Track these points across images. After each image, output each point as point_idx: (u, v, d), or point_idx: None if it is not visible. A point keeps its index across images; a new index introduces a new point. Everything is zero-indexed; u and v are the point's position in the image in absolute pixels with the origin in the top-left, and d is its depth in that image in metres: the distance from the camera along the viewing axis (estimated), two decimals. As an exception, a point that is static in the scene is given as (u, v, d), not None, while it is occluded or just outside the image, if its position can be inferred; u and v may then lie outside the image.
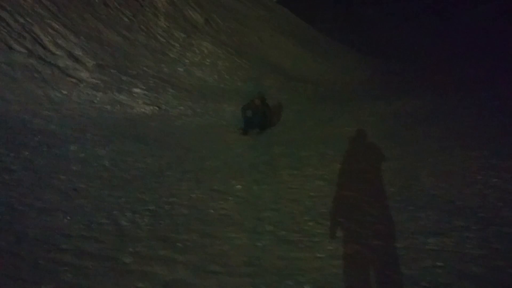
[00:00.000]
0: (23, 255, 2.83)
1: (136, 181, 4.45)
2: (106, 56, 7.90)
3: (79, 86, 6.84)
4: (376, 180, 4.46)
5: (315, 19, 25.16)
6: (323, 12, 33.36)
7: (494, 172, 4.44)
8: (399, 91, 11.08)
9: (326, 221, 3.53)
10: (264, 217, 3.62)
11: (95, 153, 5.10)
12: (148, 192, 4.17)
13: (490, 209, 3.59)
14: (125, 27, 9.13)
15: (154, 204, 3.88)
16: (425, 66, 16.00)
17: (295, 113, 8.36)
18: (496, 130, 6.25)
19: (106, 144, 5.43)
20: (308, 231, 3.37)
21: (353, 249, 3.08)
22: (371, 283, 2.70)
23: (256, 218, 3.61)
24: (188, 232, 3.34)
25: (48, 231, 3.20)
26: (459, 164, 4.80)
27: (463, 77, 13.51)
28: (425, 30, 26.41)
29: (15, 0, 7.49)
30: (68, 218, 3.44)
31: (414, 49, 21.72)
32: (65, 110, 6.16)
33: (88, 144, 5.25)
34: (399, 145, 5.80)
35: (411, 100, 9.28)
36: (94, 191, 4.07)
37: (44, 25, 7.52)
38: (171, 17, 10.81)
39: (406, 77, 14.06)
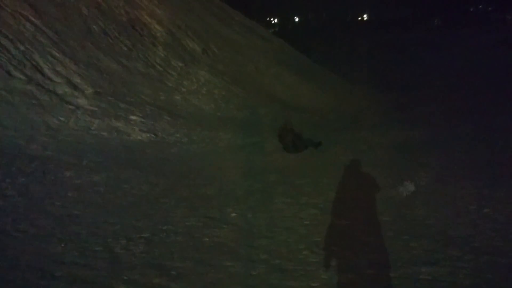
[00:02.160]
0: (16, 281, 2.82)
1: (131, 208, 4.45)
2: (105, 83, 8.02)
3: (76, 113, 6.91)
4: (370, 209, 4.50)
5: (311, 49, 25.69)
6: (318, 43, 34.08)
7: (486, 202, 4.50)
8: (393, 121, 11.25)
9: (321, 250, 3.54)
10: (259, 245, 3.62)
11: (91, 179, 5.12)
12: (143, 219, 4.17)
13: (482, 238, 3.63)
14: (124, 55, 9.31)
15: (149, 231, 3.88)
16: (417, 97, 16.28)
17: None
18: (487, 160, 6.36)
19: (102, 170, 5.45)
20: (303, 260, 3.38)
21: (347, 279, 3.09)
22: (365, 312, 2.70)
23: (250, 246, 3.62)
24: (183, 260, 3.33)
25: (42, 257, 3.18)
26: (451, 194, 4.87)
27: (454, 107, 13.77)
28: (417, 61, 27.01)
29: (17, 28, 7.66)
30: (63, 244, 3.43)
31: (407, 79, 22.14)
32: (62, 136, 6.21)
33: (84, 171, 5.27)
34: (392, 174, 5.86)
35: (404, 130, 9.42)
36: (89, 218, 4.07)
37: (44, 52, 7.66)
38: (169, 47, 11.04)
39: (399, 108, 14.29)
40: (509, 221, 3.98)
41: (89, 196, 4.62)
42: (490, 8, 58.84)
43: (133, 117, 7.50)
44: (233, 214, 4.38)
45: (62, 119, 6.60)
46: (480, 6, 59.68)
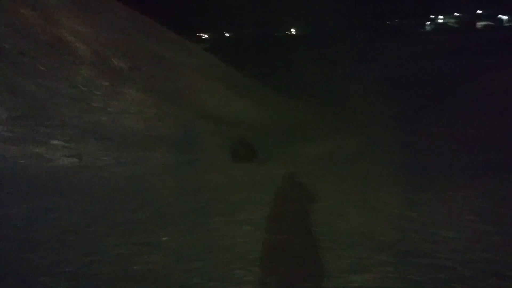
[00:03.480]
0: None
1: (54, 241, 4.12)
2: (22, 107, 7.47)
3: (-11, 140, 6.35)
4: (305, 222, 4.55)
5: (242, 64, 26.01)
6: (250, 58, 34.64)
7: (411, 206, 4.76)
8: (328, 132, 11.67)
9: (257, 267, 3.50)
10: (193, 269, 3.50)
11: (8, 212, 4.69)
12: (68, 252, 3.87)
13: (408, 242, 3.80)
14: (43, 76, 8.76)
15: (73, 264, 3.60)
16: (349, 107, 17.07)
17: (226, 157, 8.38)
18: (412, 165, 6.78)
19: (22, 201, 5.03)
20: (238, 280, 3.31)
21: (283, 295, 3.07)
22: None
23: (184, 270, 3.48)
24: (111, 293, 3.13)
25: None
26: (381, 201, 5.09)
27: (382, 116, 14.60)
28: (346, 73, 28.43)
29: None
30: (-29, 290, 3.08)
31: (339, 91, 23.19)
32: (-27, 167, 5.66)
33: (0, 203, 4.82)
34: (327, 185, 6.02)
35: (337, 140, 9.80)
36: (5, 256, 3.70)
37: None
38: (94, 65, 10.59)
39: (333, 119, 14.89)
40: (431, 222, 4.22)
41: (5, 232, 4.22)
42: (405, 22, 63.68)
43: (55, 142, 7.04)
44: (166, 238, 4.21)
45: (-28, 148, 6.03)
46: (396, 20, 64.37)
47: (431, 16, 68.20)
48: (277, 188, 5.83)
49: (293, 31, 65.68)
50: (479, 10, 63.95)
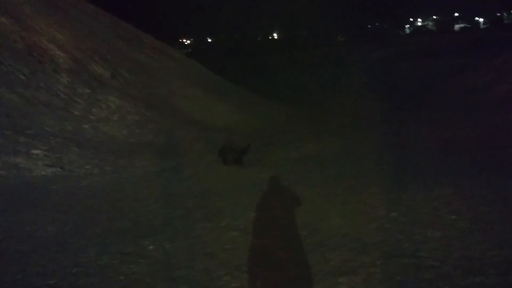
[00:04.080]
0: None
1: (34, 253, 4.04)
2: (0, 116, 7.31)
3: (-34, 151, 6.20)
4: (289, 226, 4.56)
5: (224, 69, 26.03)
6: (232, 63, 34.68)
7: (393, 206, 4.81)
8: (308, 135, 11.73)
9: (242, 273, 3.49)
10: (178, 277, 3.47)
11: (-14, 225, 4.57)
12: (49, 264, 3.79)
13: (391, 242, 3.84)
14: (21, 85, 8.60)
15: (55, 277, 3.53)
16: (328, 110, 17.24)
17: (209, 163, 8.36)
18: (393, 165, 6.86)
19: (0, 213, 4.91)
20: (225, 286, 3.30)
21: (269, 300, 3.07)
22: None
23: (169, 279, 3.45)
24: (95, 305, 3.07)
25: None
26: (363, 202, 5.13)
27: (362, 118, 14.78)
28: (326, 76, 28.72)
29: None
30: None
31: (318, 93, 23.41)
32: (-51, 179, 5.51)
33: (-23, 217, 4.70)
34: (310, 188, 6.05)
35: (319, 143, 9.86)
36: (-18, 272, 3.60)
37: None
38: (74, 73, 10.45)
39: (313, 121, 14.99)
40: (413, 222, 4.28)
41: (-17, 246, 4.11)
42: (385, 26, 64.76)
43: (35, 151, 6.90)
44: (151, 247, 4.17)
45: None
46: (377, 24, 65.42)
47: (411, 19, 69.56)
48: (261, 192, 5.83)
49: (275, 35, 66.04)
50: (456, 13, 65.52)
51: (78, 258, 3.94)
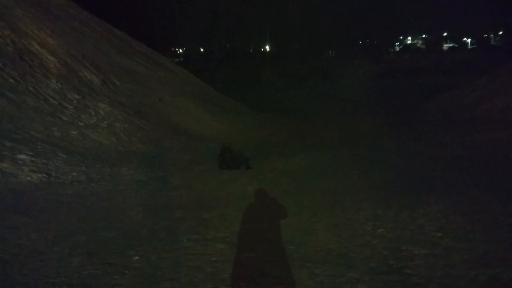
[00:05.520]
0: None
1: (16, 262, 3.94)
2: (-14, 120, 7.20)
3: (-51, 155, 6.07)
4: (276, 239, 4.55)
5: (215, 80, 26.11)
6: (222, 73, 34.81)
7: (380, 222, 4.84)
8: (296, 148, 11.78)
9: (228, 287, 3.46)
10: (163, 289, 3.43)
11: (-33, 232, 4.47)
12: (30, 274, 3.71)
13: (378, 258, 3.86)
14: (10, 88, 8.50)
15: (37, 286, 3.45)
16: (316, 123, 17.35)
17: (197, 173, 8.33)
18: (380, 181, 6.91)
19: (-19, 220, 4.80)
20: (210, 300, 3.27)
21: (254, 315, 3.04)
22: None
23: (154, 291, 3.41)
24: (77, 317, 3.01)
25: None
26: (350, 217, 5.15)
27: (350, 132, 14.92)
28: (315, 90, 28.98)
29: None
30: None
31: (307, 107, 23.59)
32: None
33: (-42, 222, 4.59)
34: (298, 201, 6.06)
35: (307, 156, 9.89)
36: (-39, 279, 3.51)
37: None
38: (64, 78, 10.37)
39: (302, 134, 15.07)
40: (400, 239, 4.30)
41: (-37, 253, 4.01)
42: (375, 42, 65.82)
43: (21, 156, 6.80)
44: (136, 257, 4.11)
45: None
46: (368, 40, 66.44)
47: (401, 37, 70.85)
48: (249, 205, 5.82)
49: (267, 47, 66.53)
50: (445, 32, 66.99)
51: (61, 267, 3.86)
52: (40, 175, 6.57)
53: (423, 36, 71.28)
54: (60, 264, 3.95)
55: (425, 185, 6.43)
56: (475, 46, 60.04)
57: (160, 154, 9.21)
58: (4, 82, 8.59)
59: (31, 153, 7.01)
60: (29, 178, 6.43)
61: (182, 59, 52.71)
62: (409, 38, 73.27)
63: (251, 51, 62.08)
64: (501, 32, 56.79)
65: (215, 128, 13.54)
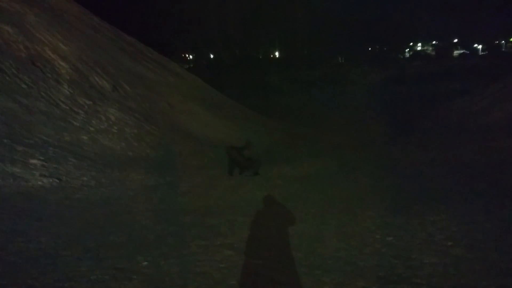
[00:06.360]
0: None
1: (26, 266, 3.98)
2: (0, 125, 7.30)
3: (-37, 159, 6.17)
4: (284, 246, 4.54)
5: (223, 85, 26.21)
6: (232, 79, 34.93)
7: (389, 230, 4.80)
8: (304, 154, 11.75)
9: (236, 293, 3.46)
10: (171, 295, 3.43)
11: (-22, 235, 4.52)
12: (40, 277, 3.74)
13: (387, 267, 3.83)
14: (23, 94, 8.62)
15: (46, 291, 3.48)
16: (325, 130, 17.30)
17: (206, 178, 8.35)
18: (389, 189, 6.86)
19: (-7, 223, 4.86)
20: (217, 307, 3.26)
21: (262, 322, 3.03)
22: None
23: (161, 297, 3.41)
24: (85, 321, 3.02)
25: None
26: (358, 224, 5.12)
27: (359, 138, 14.84)
28: (324, 96, 28.92)
29: None
30: None
31: (316, 113, 23.53)
32: None
33: (-31, 226, 4.65)
34: (306, 208, 6.04)
35: (315, 162, 9.87)
36: (-28, 283, 3.55)
37: None
38: (75, 84, 10.49)
39: (310, 140, 15.03)
40: (408, 247, 4.26)
41: (-27, 257, 4.05)
42: (385, 48, 65.58)
43: (33, 161, 6.88)
44: (144, 263, 4.12)
45: None
46: (377, 47, 66.22)
47: (410, 43, 70.52)
48: (256, 211, 5.82)
49: (276, 54, 66.67)
50: (456, 39, 66.54)
51: (70, 272, 3.89)
52: (51, 180, 6.63)
53: (434, 42, 70.87)
54: (69, 268, 3.97)
55: (435, 193, 6.37)
56: (486, 52, 59.52)
57: (169, 159, 9.25)
58: (17, 87, 8.71)
59: (42, 158, 7.08)
60: (40, 183, 6.49)
61: (192, 65, 53.06)
62: (419, 44, 72.89)
63: (260, 57, 62.23)
64: (512, 39, 56.43)
65: (224, 133, 13.57)
